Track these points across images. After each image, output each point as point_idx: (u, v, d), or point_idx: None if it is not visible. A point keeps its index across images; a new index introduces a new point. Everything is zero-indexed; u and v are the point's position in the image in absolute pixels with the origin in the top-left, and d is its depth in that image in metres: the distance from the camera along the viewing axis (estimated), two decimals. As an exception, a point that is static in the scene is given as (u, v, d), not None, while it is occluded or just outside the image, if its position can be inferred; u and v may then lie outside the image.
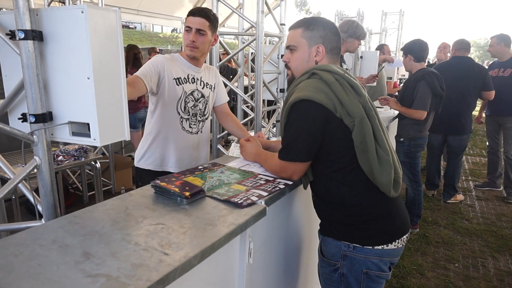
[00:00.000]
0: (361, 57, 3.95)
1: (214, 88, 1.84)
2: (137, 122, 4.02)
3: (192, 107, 1.73)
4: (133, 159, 4.11)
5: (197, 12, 1.66)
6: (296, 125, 1.16)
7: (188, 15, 1.66)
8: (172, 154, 1.74)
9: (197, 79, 1.75)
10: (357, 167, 1.14)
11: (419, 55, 2.80)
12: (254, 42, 2.59)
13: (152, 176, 1.70)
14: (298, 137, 1.16)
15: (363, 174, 1.15)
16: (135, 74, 1.57)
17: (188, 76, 1.71)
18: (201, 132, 1.81)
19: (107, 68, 1.08)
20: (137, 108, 4.00)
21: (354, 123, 1.10)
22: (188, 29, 1.65)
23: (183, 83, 1.68)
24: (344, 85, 1.13)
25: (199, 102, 1.76)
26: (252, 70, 5.14)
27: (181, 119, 1.71)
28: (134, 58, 3.96)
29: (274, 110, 3.16)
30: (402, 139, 2.87)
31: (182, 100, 1.69)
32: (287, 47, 1.31)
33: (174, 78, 1.65)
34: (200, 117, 1.78)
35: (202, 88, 1.77)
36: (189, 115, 1.73)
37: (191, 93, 1.71)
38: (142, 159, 1.77)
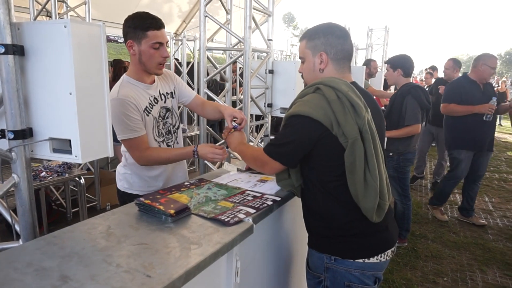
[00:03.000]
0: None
1: (174, 93, 1.73)
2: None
3: (163, 127, 1.65)
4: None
5: (160, 23, 1.49)
6: (289, 134, 1.18)
7: (149, 29, 1.46)
8: (157, 175, 1.67)
9: (158, 96, 1.62)
10: (345, 184, 1.15)
11: (409, 70, 2.85)
12: (241, 57, 2.61)
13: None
14: (288, 143, 1.18)
15: (349, 191, 1.15)
16: (131, 136, 1.47)
17: (150, 99, 1.58)
18: (177, 142, 1.74)
19: (90, 83, 1.07)
20: None
21: (347, 143, 1.11)
22: (157, 45, 1.48)
23: (151, 110, 1.57)
24: (345, 103, 1.13)
25: (167, 118, 1.68)
26: (240, 85, 5.17)
27: (158, 144, 1.63)
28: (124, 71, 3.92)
29: (261, 125, 3.16)
30: (391, 154, 2.90)
31: (155, 126, 1.60)
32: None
33: (143, 110, 1.53)
34: (173, 130, 1.71)
35: (165, 102, 1.66)
36: (163, 136, 1.65)
37: (159, 114, 1.63)
38: (123, 182, 1.69)
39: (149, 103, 1.58)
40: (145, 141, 1.52)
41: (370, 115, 1.19)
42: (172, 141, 1.71)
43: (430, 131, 4.54)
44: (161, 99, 1.65)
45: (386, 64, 2.96)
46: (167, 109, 1.68)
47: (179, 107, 1.81)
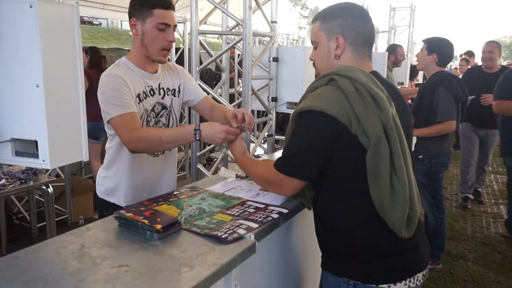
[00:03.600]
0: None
1: (179, 91, 1.76)
2: (100, 133, 3.97)
3: (154, 125, 1.66)
4: (94, 181, 4.03)
5: (169, 3, 1.55)
6: (302, 138, 1.18)
7: (155, 7, 1.51)
8: (139, 183, 1.67)
9: (156, 88, 1.66)
10: (367, 192, 1.14)
11: (446, 59, 2.83)
12: (240, 42, 2.61)
13: (119, 209, 1.64)
14: (301, 151, 1.18)
15: (372, 201, 1.14)
16: (120, 112, 1.48)
17: (146, 88, 1.61)
18: (163, 153, 1.73)
19: (61, 73, 1.07)
20: (100, 115, 3.93)
21: (369, 143, 1.11)
22: (162, 26, 1.53)
23: (143, 99, 1.60)
24: (365, 96, 1.13)
25: (161, 117, 1.70)
26: (240, 75, 5.17)
27: None
28: (101, 62, 3.95)
29: (265, 123, 3.16)
30: (420, 157, 2.88)
31: (144, 119, 1.62)
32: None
33: (136, 96, 1.56)
34: None
35: (163, 98, 1.69)
36: None
37: (152, 109, 1.65)
38: (104, 189, 1.70)
39: (143, 92, 1.61)
40: (136, 119, 1.51)
41: (395, 109, 1.19)
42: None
43: (476, 133, 4.32)
44: (159, 94, 1.67)
45: (422, 44, 2.88)
46: (164, 107, 1.70)
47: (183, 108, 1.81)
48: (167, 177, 1.76)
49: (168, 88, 1.71)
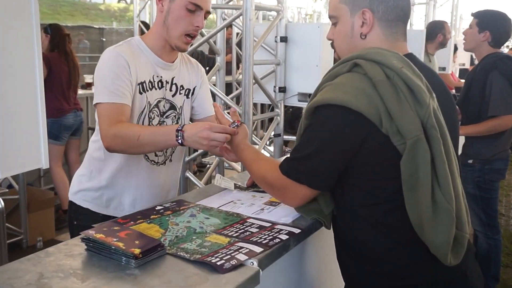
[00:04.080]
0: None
1: (193, 94, 1.82)
2: (62, 132, 3.98)
3: (158, 125, 1.71)
4: (56, 193, 4.05)
5: None
6: (318, 137, 1.18)
7: None
8: (126, 193, 1.72)
9: (166, 81, 1.72)
10: (402, 207, 1.14)
11: (500, 38, 2.81)
12: (240, 18, 2.61)
13: (95, 218, 1.68)
14: (315, 154, 1.18)
15: (409, 219, 1.14)
16: (108, 100, 1.54)
17: (153, 78, 1.68)
18: (170, 161, 1.79)
19: (13, 59, 1.07)
20: (62, 110, 3.99)
21: (405, 146, 1.10)
22: (193, 8, 1.59)
23: (147, 90, 1.66)
24: (399, 86, 1.13)
25: (167, 117, 1.74)
26: (239, 60, 5.17)
27: None
28: (65, 43, 3.98)
29: (271, 120, 3.17)
30: (470, 162, 2.87)
31: (145, 115, 1.67)
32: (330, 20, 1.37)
33: (138, 84, 1.64)
34: None
35: (173, 96, 1.75)
36: None
37: (156, 105, 1.70)
38: (80, 192, 1.75)
39: (149, 81, 1.66)
40: (124, 113, 1.55)
41: (437, 103, 1.18)
42: (162, 152, 1.74)
43: None
44: (170, 90, 1.73)
45: (472, 19, 2.87)
46: (172, 106, 1.75)
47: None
48: (169, 191, 1.83)
49: (182, 86, 1.77)
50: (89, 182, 1.74)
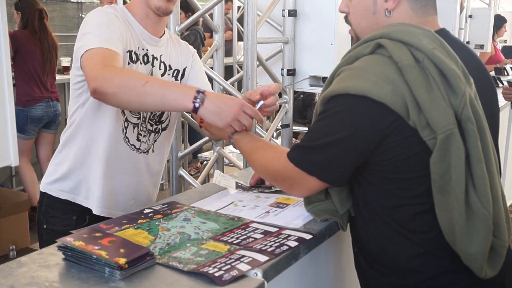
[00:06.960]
0: (470, 16, 3.89)
1: (183, 76, 1.84)
2: (27, 124, 3.99)
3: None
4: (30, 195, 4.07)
5: None
6: (334, 126, 1.19)
7: None
8: (98, 178, 1.71)
9: (155, 58, 1.74)
10: (431, 211, 1.14)
11: None
12: (241, -12, 2.61)
13: (69, 211, 1.71)
14: (330, 145, 1.19)
15: (438, 224, 1.15)
16: (101, 45, 1.52)
17: (139, 50, 1.70)
18: (153, 151, 1.80)
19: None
20: (32, 98, 3.99)
21: (435, 141, 1.10)
22: None
23: (134, 61, 1.68)
24: (430, 71, 1.12)
25: None
26: (240, 38, 5.14)
27: (126, 123, 1.70)
28: (39, 20, 3.98)
29: (278, 108, 3.16)
30: None
31: None
32: None
33: (127, 51, 1.65)
34: (152, 125, 1.78)
35: (162, 75, 1.77)
36: (138, 118, 1.72)
37: None
38: (56, 183, 1.76)
39: (135, 52, 1.68)
40: (119, 61, 1.53)
41: (474, 89, 1.18)
42: (145, 137, 1.76)
43: None
44: (159, 68, 1.75)
45: None
46: None
47: None
48: (147, 183, 1.82)
49: (170, 66, 1.79)
50: (59, 169, 1.74)
